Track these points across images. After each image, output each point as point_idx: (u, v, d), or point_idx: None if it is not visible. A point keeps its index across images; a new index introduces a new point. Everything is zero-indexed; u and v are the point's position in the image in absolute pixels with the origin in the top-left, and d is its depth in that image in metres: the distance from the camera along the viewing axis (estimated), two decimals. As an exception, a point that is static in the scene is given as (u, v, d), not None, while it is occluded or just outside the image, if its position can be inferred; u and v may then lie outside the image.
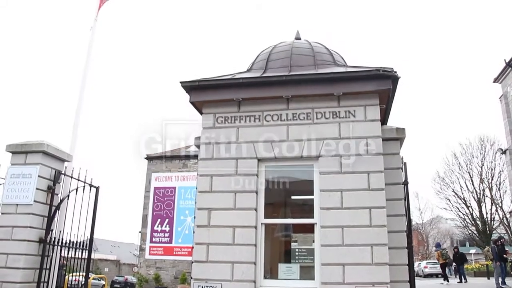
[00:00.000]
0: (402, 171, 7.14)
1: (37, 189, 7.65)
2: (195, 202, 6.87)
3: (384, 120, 7.46)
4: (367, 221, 6.12)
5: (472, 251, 52.56)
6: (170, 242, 26.90)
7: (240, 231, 6.44)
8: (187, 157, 27.67)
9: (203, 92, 7.10)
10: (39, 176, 7.73)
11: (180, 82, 7.09)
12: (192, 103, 7.21)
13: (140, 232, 28.71)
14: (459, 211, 42.23)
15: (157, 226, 27.22)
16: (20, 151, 7.97)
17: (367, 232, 6.08)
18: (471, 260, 46.81)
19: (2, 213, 7.72)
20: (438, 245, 27.53)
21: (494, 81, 35.85)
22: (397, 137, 7.16)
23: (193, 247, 6.66)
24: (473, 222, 41.31)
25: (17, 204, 7.61)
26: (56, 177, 8.09)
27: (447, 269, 26.61)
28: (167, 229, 27.04)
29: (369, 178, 6.30)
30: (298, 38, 8.48)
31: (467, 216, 41.69)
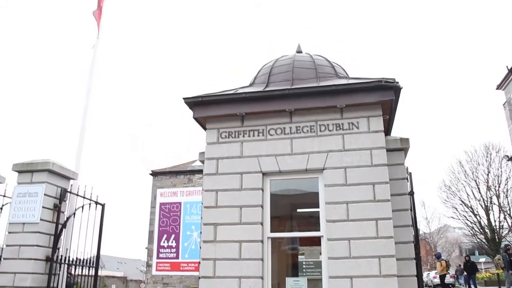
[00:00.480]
0: (408, 181, 7.12)
1: (43, 207, 7.68)
2: (201, 218, 6.87)
3: (387, 130, 7.46)
4: (374, 233, 6.09)
5: (482, 259, 52.05)
6: (177, 257, 26.78)
7: (247, 246, 6.42)
8: (192, 172, 27.68)
9: (206, 108, 7.14)
10: (45, 194, 7.76)
11: (183, 98, 7.13)
12: (196, 118, 7.25)
13: (146, 248, 28.63)
14: (467, 219, 41.88)
15: (164, 242, 27.13)
16: (26, 170, 8.01)
17: (374, 243, 6.05)
18: (481, 269, 46.32)
19: (9, 232, 7.75)
20: (439, 255, 27.08)
21: (497, 88, 35.82)
22: (401, 148, 7.17)
23: (199, 263, 6.64)
24: (481, 230, 40.92)
25: (23, 223, 7.64)
26: (62, 195, 8.12)
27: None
28: (174, 244, 26.95)
29: (374, 190, 6.29)
30: (299, 51, 8.52)
31: (475, 224, 41.32)
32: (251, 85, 7.85)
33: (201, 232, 6.79)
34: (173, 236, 27.08)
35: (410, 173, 7.23)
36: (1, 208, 8.64)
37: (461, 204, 41.81)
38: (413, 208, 7.03)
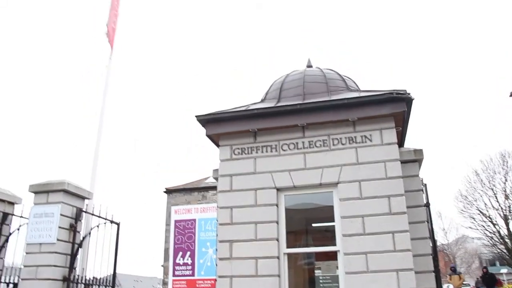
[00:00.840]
0: (423, 192, 7.06)
1: (59, 227, 7.74)
2: (216, 235, 6.87)
3: (401, 142, 7.42)
4: (391, 246, 6.02)
5: (504, 270, 50.91)
6: (193, 275, 26.67)
7: (263, 262, 6.39)
8: (206, 188, 27.69)
9: (219, 125, 7.17)
10: (61, 214, 7.84)
11: (196, 116, 7.18)
12: (209, 136, 7.28)
13: (162, 266, 28.61)
14: (486, 229, 41.05)
15: (179, 259, 27.06)
16: (42, 191, 8.11)
17: (392, 257, 5.97)
18: (504, 280, 45.32)
19: (26, 253, 7.81)
20: (454, 269, 26.06)
21: (510, 95, 35.41)
22: (415, 159, 7.12)
23: (216, 280, 6.61)
24: (501, 240, 40.13)
25: (40, 244, 7.71)
26: (78, 215, 8.19)
27: None
28: (189, 261, 26.86)
29: (390, 202, 6.23)
30: (309, 66, 8.55)
31: (494, 234, 40.53)
32: (262, 101, 7.88)
33: (216, 249, 6.78)
34: (188, 253, 27.03)
35: (425, 184, 7.17)
36: (18, 229, 8.74)
37: (478, 214, 41.10)
38: (429, 220, 6.95)
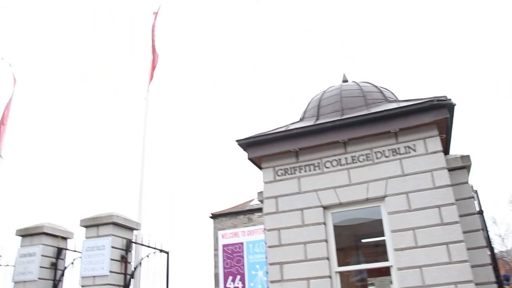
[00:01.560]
0: (475, 199, 6.80)
1: (111, 259, 7.92)
2: (266, 257, 6.83)
3: (446, 149, 7.22)
4: (446, 258, 5.82)
5: None
6: (244, 298, 26.56)
7: (315, 283, 6.29)
8: (251, 211, 27.69)
9: (260, 148, 7.20)
10: (112, 247, 8.02)
11: (236, 141, 7.24)
12: (251, 159, 7.32)
13: (213, 291, 28.63)
14: (546, 233, 39.13)
15: (229, 284, 27.02)
16: (92, 225, 8.35)
17: (449, 269, 5.76)
18: None
19: (82, 286, 8.01)
20: (508, 277, 24.35)
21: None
22: (463, 166, 6.90)
23: (268, 303, 6.56)
24: None
25: (94, 276, 7.89)
26: (128, 246, 8.35)
27: None
28: (240, 285, 26.77)
29: (440, 212, 6.05)
30: (345, 81, 8.50)
31: (556, 237, 38.50)
32: (301, 120, 7.87)
33: (266, 272, 6.74)
34: (238, 277, 26.96)
35: (476, 191, 6.91)
36: (73, 263, 9.00)
37: (536, 217, 39.23)
38: (485, 228, 6.68)
